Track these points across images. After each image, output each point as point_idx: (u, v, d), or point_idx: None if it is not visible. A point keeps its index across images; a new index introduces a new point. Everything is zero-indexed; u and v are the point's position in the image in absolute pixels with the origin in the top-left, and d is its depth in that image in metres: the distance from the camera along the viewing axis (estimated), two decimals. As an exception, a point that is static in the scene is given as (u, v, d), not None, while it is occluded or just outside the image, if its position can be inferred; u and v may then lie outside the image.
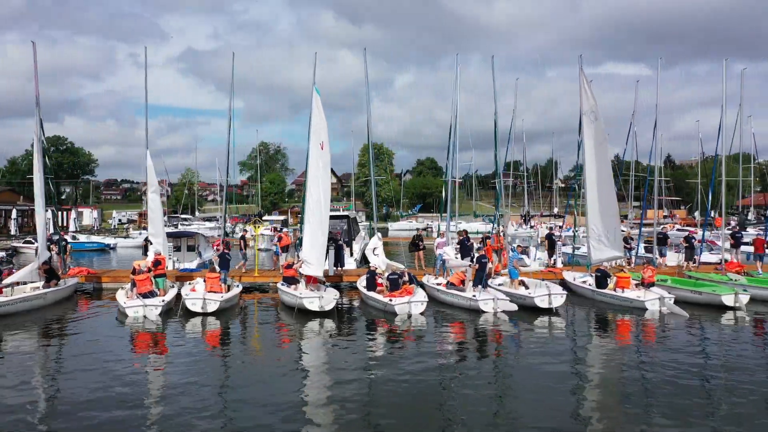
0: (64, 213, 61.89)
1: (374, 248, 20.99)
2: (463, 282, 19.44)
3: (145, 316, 17.10)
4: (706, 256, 28.27)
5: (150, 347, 14.58)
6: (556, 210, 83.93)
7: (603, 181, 21.46)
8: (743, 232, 28.62)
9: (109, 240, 45.97)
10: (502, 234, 24.68)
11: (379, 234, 22.08)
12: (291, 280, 19.76)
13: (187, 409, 9.68)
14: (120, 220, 78.89)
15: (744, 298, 18.66)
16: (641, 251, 30.30)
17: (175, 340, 15.21)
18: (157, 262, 19.56)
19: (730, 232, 27.53)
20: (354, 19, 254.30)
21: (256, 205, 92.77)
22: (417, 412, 9.74)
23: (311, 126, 19.84)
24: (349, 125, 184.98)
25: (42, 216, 20.61)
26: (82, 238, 45.90)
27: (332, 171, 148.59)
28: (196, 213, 79.37)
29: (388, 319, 17.39)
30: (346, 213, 28.89)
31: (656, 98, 25.06)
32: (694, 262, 26.14)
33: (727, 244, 27.35)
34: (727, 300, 18.62)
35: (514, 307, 17.69)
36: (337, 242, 23.47)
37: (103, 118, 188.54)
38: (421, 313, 17.88)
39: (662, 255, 27.63)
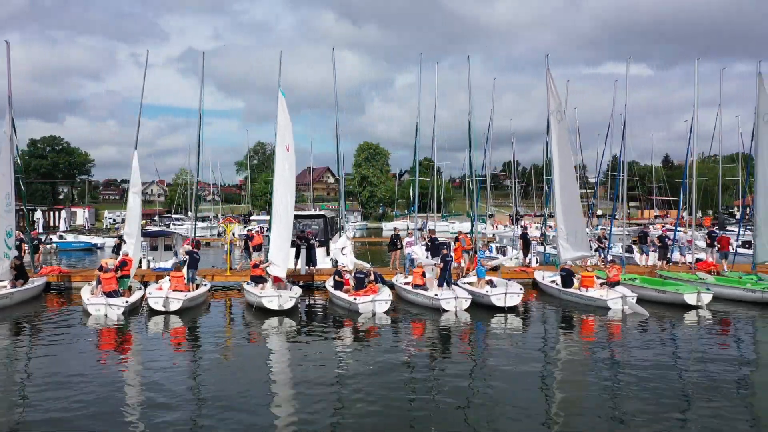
0: (55, 213, 62.12)
1: (342, 248, 21.07)
2: (424, 277, 19.60)
3: (106, 315, 17.19)
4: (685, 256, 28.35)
5: (109, 345, 14.65)
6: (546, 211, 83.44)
7: (567, 180, 21.56)
8: (720, 232, 28.54)
9: (97, 239, 46.13)
10: (476, 234, 24.80)
11: (348, 233, 22.19)
12: (258, 279, 19.84)
13: (146, 407, 9.80)
14: (114, 220, 79.08)
15: (706, 297, 18.75)
16: (620, 251, 30.47)
17: (133, 338, 15.36)
18: (124, 263, 19.64)
19: (706, 231, 27.58)
20: (355, 20, 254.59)
21: (252, 205, 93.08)
22: (361, 410, 9.76)
23: (277, 128, 19.91)
24: (350, 125, 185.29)
25: (12, 215, 20.64)
26: (70, 237, 46.12)
27: (330, 170, 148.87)
28: (189, 213, 79.38)
29: (352, 318, 17.48)
30: (322, 213, 28.99)
31: (625, 98, 24.97)
32: (668, 261, 26.22)
33: (704, 244, 27.49)
34: (690, 299, 18.71)
35: (465, 304, 17.95)
36: (309, 242, 23.57)
37: (104, 118, 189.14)
38: (386, 312, 17.98)
39: (644, 253, 27.73)
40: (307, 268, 23.44)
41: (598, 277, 19.90)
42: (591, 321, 17.48)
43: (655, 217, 64.16)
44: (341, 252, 21.12)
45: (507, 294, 18.03)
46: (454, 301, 17.87)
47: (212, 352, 14.16)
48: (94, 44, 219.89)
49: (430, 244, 21.96)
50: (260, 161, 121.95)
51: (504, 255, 28.71)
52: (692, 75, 24.36)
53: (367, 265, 20.43)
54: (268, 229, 21.90)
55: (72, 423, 9.10)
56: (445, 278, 19.12)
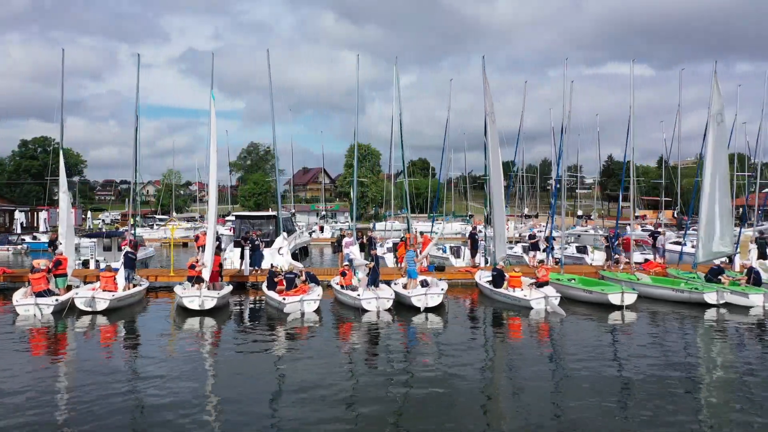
0: (36, 213, 62.54)
1: (279, 248, 21.33)
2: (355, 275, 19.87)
3: (34, 315, 17.47)
4: (637, 256, 28.50)
5: (36, 345, 14.88)
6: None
7: (496, 182, 21.80)
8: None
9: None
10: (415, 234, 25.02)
11: (285, 234, 22.46)
12: (192, 279, 20.08)
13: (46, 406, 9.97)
14: (103, 220, 79.60)
15: (630, 298, 18.90)
16: (574, 251, 30.67)
17: (55, 337, 15.61)
18: (58, 262, 19.92)
19: (650, 232, 27.71)
20: (355, 20, 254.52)
21: (240, 205, 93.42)
22: (270, 406, 9.99)
23: (210, 133, 20.20)
24: (349, 126, 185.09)
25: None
26: (44, 238, 46.40)
27: (325, 171, 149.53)
28: (173, 213, 79.90)
29: (282, 318, 17.69)
30: (273, 213, 29.20)
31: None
32: (617, 262, 26.34)
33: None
34: (614, 299, 18.87)
35: (387, 305, 18.23)
36: (254, 243, 23.78)
37: (105, 118, 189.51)
38: (315, 311, 18.21)
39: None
40: (251, 269, 23.64)
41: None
42: (507, 320, 17.78)
43: (636, 217, 64.09)
44: (278, 252, 21.33)
45: (427, 295, 18.21)
46: (375, 301, 18.07)
47: (127, 349, 14.42)
48: (94, 45, 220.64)
49: (367, 244, 22.16)
50: (253, 161, 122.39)
51: (457, 256, 28.96)
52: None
53: (299, 266, 20.68)
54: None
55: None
56: (375, 279, 19.33)
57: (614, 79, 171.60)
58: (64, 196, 21.87)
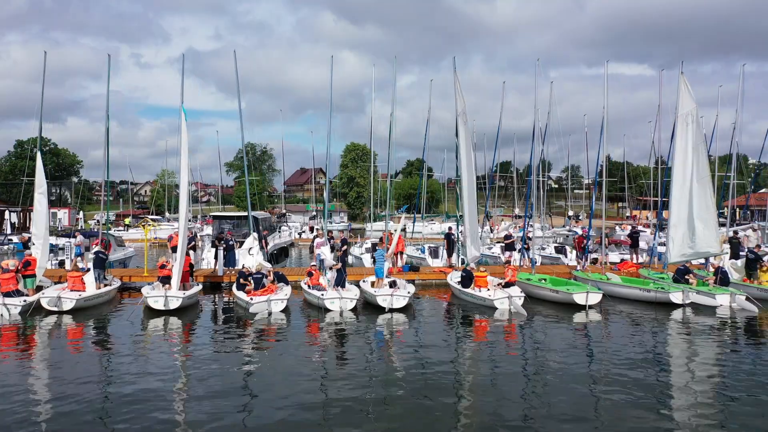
0: (28, 214, 62.64)
1: (249, 248, 21.43)
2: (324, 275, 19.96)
3: (1, 315, 17.57)
4: (613, 256, 28.66)
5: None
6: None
7: (469, 183, 21.87)
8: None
9: (52, 240, 46.50)
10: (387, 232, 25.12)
11: (255, 234, 22.55)
12: (164, 280, 20.18)
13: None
14: (98, 221, 79.68)
15: (594, 298, 18.98)
16: (552, 252, 30.75)
17: (21, 337, 15.68)
18: (27, 263, 20.02)
19: (628, 232, 27.77)
20: (354, 20, 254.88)
21: (235, 206, 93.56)
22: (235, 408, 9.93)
23: (180, 145, 20.39)
24: (350, 126, 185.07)
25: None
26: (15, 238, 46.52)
27: (323, 171, 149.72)
28: (166, 214, 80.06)
29: (249, 318, 17.77)
30: (252, 214, 29.24)
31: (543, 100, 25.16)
32: (594, 262, 26.43)
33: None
34: (578, 299, 18.94)
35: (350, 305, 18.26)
36: (228, 243, 23.88)
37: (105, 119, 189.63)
38: (283, 311, 18.30)
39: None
40: (225, 269, 23.73)
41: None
42: (470, 320, 17.85)
43: (626, 217, 64.31)
44: (248, 252, 21.42)
45: (393, 296, 18.28)
46: (338, 301, 18.16)
47: (91, 348, 14.53)
48: (95, 45, 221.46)
49: (340, 245, 22.24)
50: (250, 162, 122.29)
51: (435, 256, 29.07)
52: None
53: (268, 266, 20.76)
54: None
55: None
56: (340, 279, 19.41)
57: (614, 79, 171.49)
58: (41, 198, 21.96)
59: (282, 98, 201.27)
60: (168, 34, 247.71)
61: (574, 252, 28.92)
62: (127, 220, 71.17)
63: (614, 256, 28.37)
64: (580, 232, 43.93)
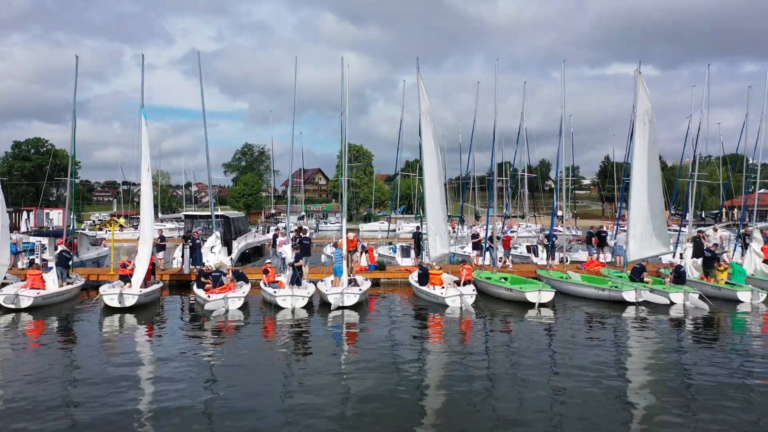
0: (19, 214, 63.21)
1: (212, 246, 21.66)
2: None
3: (-40, 312, 17.87)
4: (582, 255, 28.81)
5: None
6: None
7: (433, 181, 22.04)
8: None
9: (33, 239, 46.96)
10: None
11: (217, 233, 22.77)
12: (124, 278, 20.44)
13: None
14: (93, 221, 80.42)
15: (546, 296, 19.14)
16: (524, 251, 30.91)
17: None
18: (-12, 262, 20.29)
19: (595, 231, 27.89)
20: (355, 20, 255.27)
21: (231, 206, 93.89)
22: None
23: (141, 149, 20.72)
24: (352, 127, 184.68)
25: None
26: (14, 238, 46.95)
27: (321, 172, 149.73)
28: (159, 214, 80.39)
29: (206, 315, 17.96)
30: (222, 213, 29.53)
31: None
32: (561, 261, 26.58)
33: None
34: (531, 296, 19.10)
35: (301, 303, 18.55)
36: (195, 242, 24.10)
37: (109, 120, 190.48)
38: (240, 309, 18.51)
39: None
40: (192, 267, 23.94)
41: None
42: (421, 317, 18.01)
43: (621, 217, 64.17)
44: (210, 251, 21.65)
45: (344, 294, 18.49)
46: (290, 299, 18.37)
47: (45, 345, 14.72)
48: (98, 46, 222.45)
49: (299, 242, 22.42)
50: (248, 162, 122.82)
51: (406, 255, 29.27)
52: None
53: (227, 264, 20.97)
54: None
55: None
56: (296, 277, 19.64)
57: (614, 79, 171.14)
58: None
59: (283, 99, 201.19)
60: (170, 35, 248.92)
61: (545, 251, 29.03)
62: (121, 221, 71.62)
63: (583, 255, 28.47)
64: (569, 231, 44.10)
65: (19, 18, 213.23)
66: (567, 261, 24.39)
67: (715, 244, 25.28)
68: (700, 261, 22.43)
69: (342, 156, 28.42)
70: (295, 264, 20.28)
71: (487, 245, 25.34)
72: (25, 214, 58.49)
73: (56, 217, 73.65)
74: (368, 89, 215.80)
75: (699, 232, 28.47)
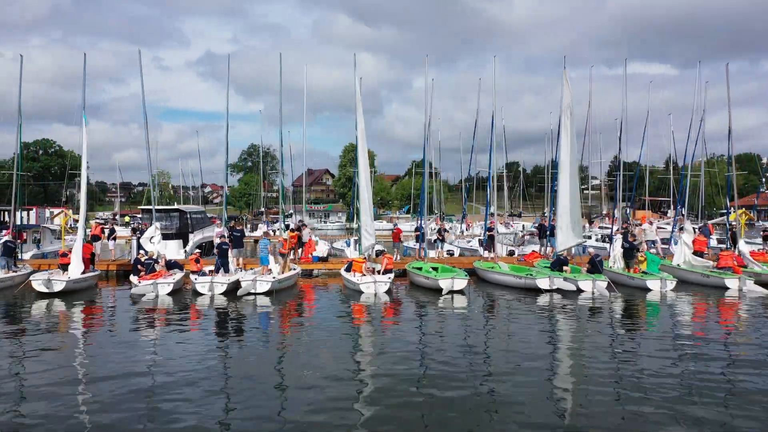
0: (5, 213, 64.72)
1: (150, 237, 22.65)
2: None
3: None
4: (528, 248, 29.39)
5: None
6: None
7: (365, 189, 23.07)
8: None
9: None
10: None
11: (157, 224, 23.76)
12: (63, 267, 21.50)
13: None
14: (75, 220, 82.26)
15: (459, 283, 19.88)
16: (475, 244, 31.55)
17: None
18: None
19: (537, 225, 28.52)
20: (370, 21, 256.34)
21: (232, 206, 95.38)
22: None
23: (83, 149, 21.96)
24: (367, 128, 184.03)
25: None
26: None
27: (329, 172, 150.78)
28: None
29: (137, 300, 18.84)
30: (178, 207, 30.53)
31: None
32: (511, 254, 27.27)
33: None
34: (444, 284, 19.81)
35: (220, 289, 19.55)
36: (143, 233, 25.09)
37: (126, 122, 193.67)
38: (170, 294, 19.48)
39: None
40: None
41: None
42: (336, 303, 18.83)
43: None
44: (149, 241, 22.65)
45: (256, 281, 19.48)
46: (209, 285, 19.32)
47: None
48: (115, 49, 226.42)
49: (230, 235, 23.35)
50: (253, 163, 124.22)
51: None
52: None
53: (162, 253, 21.96)
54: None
55: None
56: (220, 265, 20.64)
57: (631, 79, 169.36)
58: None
59: (298, 100, 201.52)
60: (186, 38, 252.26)
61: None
62: (126, 218, 73.60)
63: (529, 248, 29.01)
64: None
65: (39, 22, 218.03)
66: (516, 254, 25.08)
67: (638, 240, 25.64)
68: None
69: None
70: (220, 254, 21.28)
71: (422, 238, 26.00)
72: (19, 213, 59.87)
73: (59, 215, 75.67)
74: (384, 90, 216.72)
75: (625, 224, 29.11)
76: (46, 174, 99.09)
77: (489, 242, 26.96)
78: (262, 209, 71.00)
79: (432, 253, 27.31)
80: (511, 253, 28.21)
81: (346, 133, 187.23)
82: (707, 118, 29.69)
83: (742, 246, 24.05)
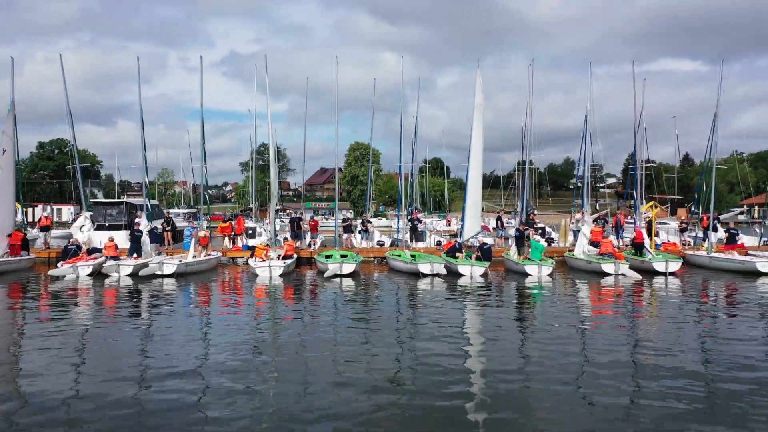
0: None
1: (81, 226, 24.63)
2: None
3: None
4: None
5: None
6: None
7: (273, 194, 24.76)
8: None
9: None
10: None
11: (86, 214, 25.64)
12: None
13: None
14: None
15: (348, 267, 21.59)
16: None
17: None
18: None
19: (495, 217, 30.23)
20: (393, 20, 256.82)
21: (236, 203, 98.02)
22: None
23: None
24: (389, 125, 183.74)
25: None
26: None
27: (341, 170, 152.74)
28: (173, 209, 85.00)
29: (58, 282, 20.61)
30: (122, 200, 32.23)
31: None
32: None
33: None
34: (332, 267, 21.41)
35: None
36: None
37: (154, 122, 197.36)
38: (89, 275, 21.49)
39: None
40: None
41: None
42: (232, 285, 20.58)
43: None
44: (79, 230, 24.65)
45: (162, 264, 21.45)
46: (115, 267, 21.32)
47: None
48: (144, 50, 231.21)
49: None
50: (265, 161, 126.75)
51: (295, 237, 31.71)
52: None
53: (85, 240, 23.97)
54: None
55: None
56: (133, 250, 22.64)
57: (660, 76, 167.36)
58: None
59: (322, 99, 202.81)
60: (211, 38, 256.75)
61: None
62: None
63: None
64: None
65: (68, 25, 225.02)
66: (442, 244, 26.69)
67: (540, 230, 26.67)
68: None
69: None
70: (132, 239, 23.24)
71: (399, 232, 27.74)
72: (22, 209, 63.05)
73: (66, 212, 79.09)
74: (407, 89, 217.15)
75: (532, 214, 30.57)
76: (62, 172, 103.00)
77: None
78: (251, 206, 73.00)
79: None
80: (438, 244, 29.46)
81: (367, 132, 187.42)
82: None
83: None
